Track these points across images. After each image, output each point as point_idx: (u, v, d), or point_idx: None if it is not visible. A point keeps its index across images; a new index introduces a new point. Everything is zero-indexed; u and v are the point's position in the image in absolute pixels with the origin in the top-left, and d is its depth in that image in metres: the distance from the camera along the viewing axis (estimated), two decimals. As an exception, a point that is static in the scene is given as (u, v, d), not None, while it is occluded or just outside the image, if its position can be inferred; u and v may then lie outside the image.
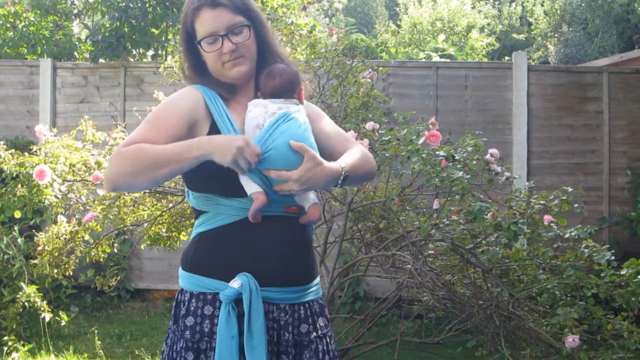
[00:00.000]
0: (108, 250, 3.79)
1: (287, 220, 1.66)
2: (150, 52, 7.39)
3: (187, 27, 1.71)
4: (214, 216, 1.66)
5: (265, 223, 1.62)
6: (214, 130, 1.65)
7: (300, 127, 1.64)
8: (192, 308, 1.66)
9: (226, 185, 1.62)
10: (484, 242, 3.18)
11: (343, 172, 1.62)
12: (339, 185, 1.64)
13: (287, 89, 1.71)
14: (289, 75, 1.72)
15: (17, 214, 4.04)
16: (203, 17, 1.66)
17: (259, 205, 1.58)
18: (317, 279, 1.77)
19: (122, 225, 3.61)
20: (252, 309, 1.57)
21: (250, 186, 1.61)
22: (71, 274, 3.86)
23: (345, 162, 1.65)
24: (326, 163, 1.59)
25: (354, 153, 1.72)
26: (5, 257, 4.55)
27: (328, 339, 1.72)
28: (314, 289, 1.74)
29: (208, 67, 1.73)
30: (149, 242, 3.78)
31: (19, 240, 4.66)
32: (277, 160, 1.57)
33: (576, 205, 3.09)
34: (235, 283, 1.58)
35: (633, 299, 2.93)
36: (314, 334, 1.68)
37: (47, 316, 4.46)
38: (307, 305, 1.70)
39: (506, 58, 13.82)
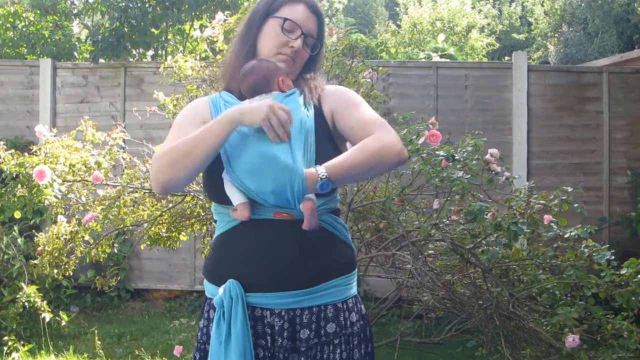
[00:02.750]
0: (108, 251, 3.78)
1: (278, 223, 1.60)
2: (150, 52, 7.39)
3: (271, 5, 1.73)
4: (218, 224, 1.71)
5: (255, 228, 1.61)
6: None
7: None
8: (204, 311, 1.72)
9: (221, 194, 1.62)
10: (484, 242, 3.18)
11: (319, 178, 1.52)
12: (320, 190, 1.53)
13: (263, 84, 1.68)
14: (261, 70, 1.68)
15: (17, 214, 4.04)
16: (297, 8, 1.72)
17: (237, 217, 1.61)
18: (337, 281, 1.64)
19: (122, 226, 3.61)
20: (232, 316, 1.56)
21: (234, 197, 1.61)
22: (71, 274, 3.86)
23: (330, 164, 1.54)
24: None
25: (353, 149, 1.58)
26: (5, 257, 4.55)
27: (332, 347, 1.61)
28: (326, 292, 1.62)
29: (260, 49, 1.73)
30: (149, 242, 3.78)
31: (19, 240, 4.66)
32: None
33: (576, 205, 3.09)
34: (221, 290, 1.60)
35: (633, 298, 2.93)
36: (315, 340, 1.59)
37: (47, 316, 4.46)
38: (314, 309, 1.61)
39: (506, 58, 13.83)
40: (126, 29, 6.63)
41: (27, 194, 3.50)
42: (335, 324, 1.62)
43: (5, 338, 4.36)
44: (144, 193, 3.66)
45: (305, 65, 1.77)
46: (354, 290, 1.70)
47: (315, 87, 1.74)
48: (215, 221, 1.73)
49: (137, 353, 4.52)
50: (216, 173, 1.63)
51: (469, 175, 2.87)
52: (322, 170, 1.52)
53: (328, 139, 1.68)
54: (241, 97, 1.74)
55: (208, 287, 1.70)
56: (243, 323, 1.55)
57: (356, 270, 1.73)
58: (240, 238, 1.62)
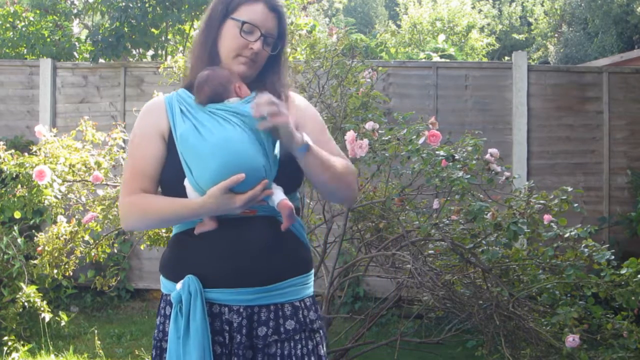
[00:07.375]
0: (108, 251, 3.79)
1: (240, 220, 1.62)
2: (150, 52, 7.39)
3: (229, 5, 1.70)
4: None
5: (219, 225, 1.63)
6: (172, 137, 1.67)
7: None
8: (160, 308, 1.72)
9: (182, 195, 1.63)
10: (484, 241, 3.18)
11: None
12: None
13: (221, 91, 1.67)
14: (216, 78, 1.67)
15: (17, 214, 4.04)
16: (256, 8, 1.68)
17: (204, 229, 1.62)
18: (295, 280, 1.67)
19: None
20: (190, 311, 1.57)
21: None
22: (71, 274, 3.86)
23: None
24: None
25: (335, 159, 1.70)
26: (5, 257, 4.55)
27: (293, 343, 1.63)
28: (284, 290, 1.64)
29: (220, 51, 1.71)
30: (148, 242, 3.77)
31: (19, 240, 4.66)
32: None
33: (576, 205, 3.09)
34: (179, 285, 1.61)
35: (633, 298, 2.93)
36: (274, 337, 1.61)
37: (47, 316, 4.45)
38: (271, 307, 1.63)
39: (506, 58, 13.84)
40: (126, 29, 6.62)
41: (27, 194, 3.51)
42: (294, 321, 1.65)
43: (5, 338, 4.36)
44: (144, 193, 3.66)
45: (268, 65, 1.74)
46: (310, 290, 1.73)
47: (282, 94, 1.72)
48: None
49: (137, 353, 4.52)
50: (179, 181, 1.62)
51: (469, 175, 2.87)
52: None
53: None
54: None
55: (165, 284, 1.70)
56: (202, 318, 1.57)
57: (312, 270, 1.76)
58: (202, 235, 1.63)
